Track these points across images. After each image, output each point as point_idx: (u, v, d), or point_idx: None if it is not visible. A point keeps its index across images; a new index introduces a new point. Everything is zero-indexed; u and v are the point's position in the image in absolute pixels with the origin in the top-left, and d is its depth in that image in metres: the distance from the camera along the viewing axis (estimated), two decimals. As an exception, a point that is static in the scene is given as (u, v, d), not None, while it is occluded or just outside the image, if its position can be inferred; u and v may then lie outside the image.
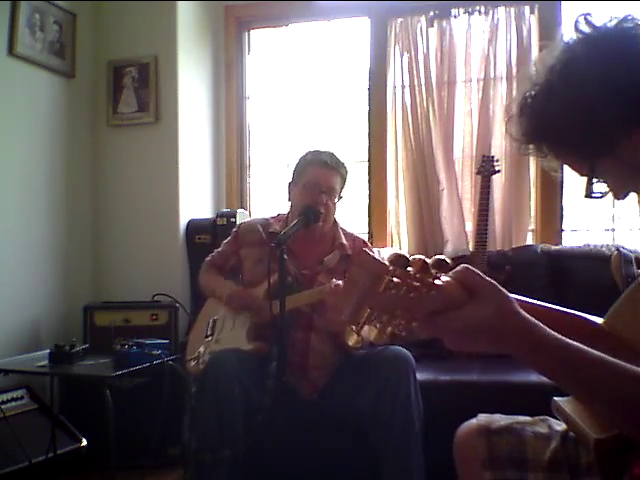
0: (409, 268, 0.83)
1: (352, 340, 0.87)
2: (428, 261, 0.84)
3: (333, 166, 2.39)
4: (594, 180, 1.05)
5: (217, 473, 2.05)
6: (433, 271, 0.84)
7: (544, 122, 1.03)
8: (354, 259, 0.86)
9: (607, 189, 1.07)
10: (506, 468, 1.20)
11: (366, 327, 0.85)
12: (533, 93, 1.04)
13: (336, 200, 2.42)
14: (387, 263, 0.84)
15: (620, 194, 1.08)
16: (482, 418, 1.29)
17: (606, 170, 1.03)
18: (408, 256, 0.84)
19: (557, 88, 1.00)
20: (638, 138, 0.97)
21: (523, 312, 0.86)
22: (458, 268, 0.87)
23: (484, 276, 0.87)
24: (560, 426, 1.23)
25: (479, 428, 1.26)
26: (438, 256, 0.86)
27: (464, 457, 1.28)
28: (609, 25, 1.00)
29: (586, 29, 1.00)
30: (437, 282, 0.83)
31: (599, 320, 1.02)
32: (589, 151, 1.02)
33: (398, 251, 0.81)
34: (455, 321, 0.84)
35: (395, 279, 0.82)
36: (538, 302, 1.02)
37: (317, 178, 2.38)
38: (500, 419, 1.28)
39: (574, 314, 1.01)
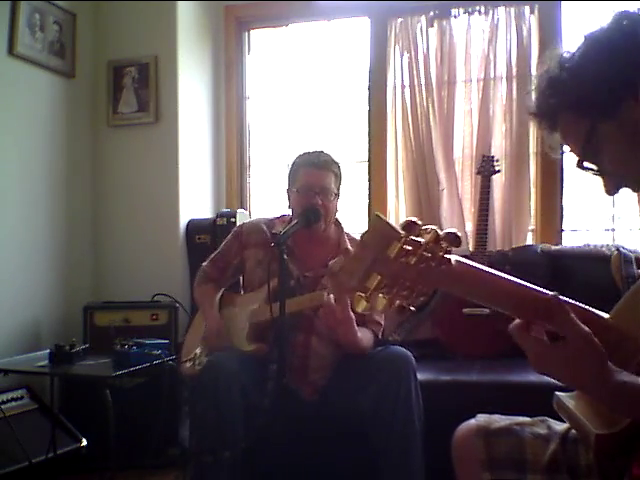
0: (420, 238, 0.83)
1: (361, 306, 0.86)
2: (440, 233, 0.84)
3: (323, 165, 2.35)
4: (589, 151, 1.05)
5: (217, 474, 2.05)
6: (444, 244, 0.83)
7: (559, 79, 1.05)
8: (368, 223, 0.85)
9: (598, 172, 1.08)
10: (505, 469, 1.20)
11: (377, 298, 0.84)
12: (557, 64, 1.07)
13: (332, 198, 2.36)
14: (399, 229, 0.83)
15: (612, 177, 1.07)
16: (481, 419, 1.29)
17: (606, 136, 1.03)
18: (421, 224, 0.84)
19: (578, 49, 1.05)
20: None
21: (616, 376, 0.91)
22: (553, 298, 0.92)
23: (578, 322, 0.91)
24: (559, 427, 1.22)
25: (478, 429, 1.26)
26: (450, 229, 0.86)
27: (463, 458, 1.27)
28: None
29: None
30: (447, 256, 0.83)
31: (606, 315, 1.02)
32: (594, 107, 1.02)
33: (412, 217, 0.83)
34: (554, 353, 0.91)
35: (407, 246, 0.82)
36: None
37: (309, 180, 2.33)
38: (499, 420, 1.27)
39: (588, 309, 1.01)
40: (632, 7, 1.04)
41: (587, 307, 1.00)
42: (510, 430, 1.24)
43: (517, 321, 0.96)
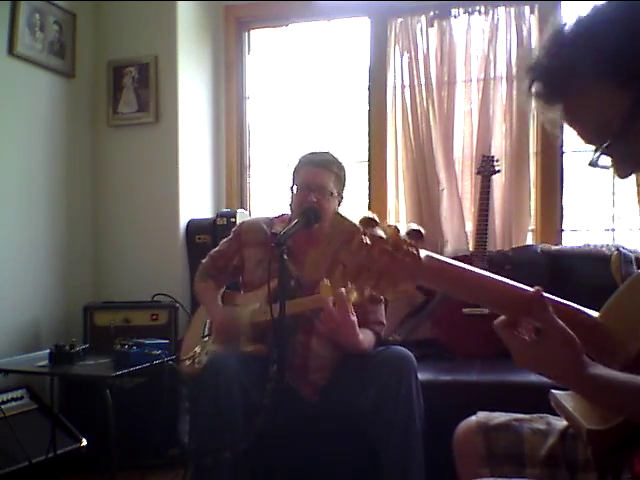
0: (381, 233, 0.88)
1: (326, 292, 0.93)
2: (400, 228, 0.90)
3: (322, 164, 2.34)
4: (625, 131, 0.83)
5: (218, 474, 2.05)
6: (408, 239, 0.88)
7: (595, 41, 0.82)
8: (329, 221, 0.93)
9: (611, 163, 0.93)
10: (504, 464, 1.21)
11: (344, 289, 0.92)
12: (577, 19, 0.85)
13: (329, 198, 2.32)
14: (358, 224, 0.89)
15: (631, 165, 0.93)
16: (481, 415, 1.30)
17: None
18: (377, 219, 0.90)
19: (613, 6, 0.81)
20: None
21: (592, 369, 0.92)
22: (533, 294, 0.94)
23: (554, 316, 0.92)
24: (559, 423, 1.23)
25: (478, 425, 1.27)
26: (412, 225, 0.92)
27: (463, 454, 1.29)
28: None
29: None
30: (415, 252, 0.88)
31: (595, 314, 1.03)
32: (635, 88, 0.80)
33: (368, 213, 0.86)
34: (530, 348, 0.93)
35: (366, 240, 0.87)
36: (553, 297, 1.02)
37: (307, 177, 2.33)
38: (499, 416, 1.29)
39: (576, 308, 1.02)
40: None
41: (575, 306, 1.02)
42: (509, 426, 1.25)
43: (501, 318, 0.98)
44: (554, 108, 0.90)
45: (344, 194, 2.43)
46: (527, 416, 1.28)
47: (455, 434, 1.31)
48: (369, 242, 0.87)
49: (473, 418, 1.30)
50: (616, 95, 0.82)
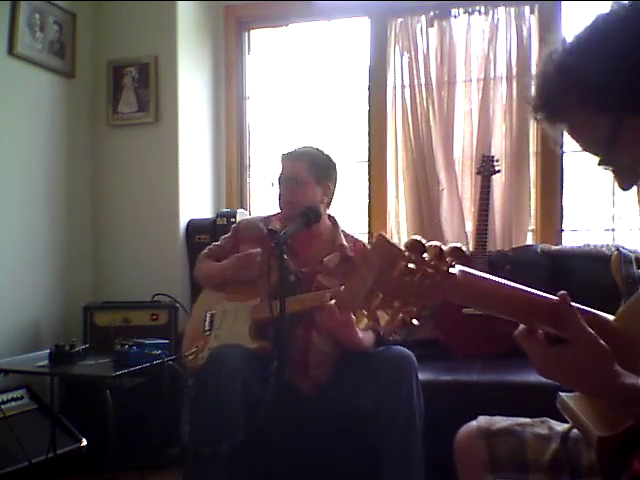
0: (425, 255, 0.82)
1: (362, 324, 0.85)
2: (444, 248, 0.84)
3: (295, 156, 2.42)
4: (611, 148, 0.93)
5: (215, 466, 2.05)
6: (448, 259, 0.83)
7: (576, 71, 0.92)
8: (371, 242, 0.86)
9: (617, 169, 0.98)
10: (507, 470, 1.20)
11: (378, 312, 0.84)
12: (563, 49, 0.95)
13: (306, 186, 2.36)
14: (403, 248, 0.83)
15: (631, 173, 0.97)
16: (482, 420, 1.29)
17: (634, 129, 0.91)
18: (424, 242, 0.83)
19: (593, 38, 0.92)
20: None
21: (622, 379, 0.89)
22: (560, 298, 0.91)
23: (584, 324, 0.89)
24: (560, 427, 1.23)
25: (479, 430, 1.26)
26: (454, 244, 0.86)
27: (465, 459, 1.27)
28: None
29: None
30: (452, 270, 0.83)
31: (610, 317, 1.01)
32: (619, 99, 0.89)
33: (416, 236, 0.82)
34: (557, 357, 0.90)
35: (410, 265, 0.81)
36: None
37: (281, 172, 2.43)
38: (500, 421, 1.28)
39: (594, 312, 1.00)
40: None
41: (592, 310, 0.99)
42: (511, 431, 1.24)
43: (522, 327, 0.95)
44: (558, 127, 1.01)
45: (333, 182, 2.44)
46: (529, 421, 1.27)
47: (456, 439, 1.30)
48: (413, 267, 0.81)
49: (474, 423, 1.29)
50: (598, 118, 0.92)
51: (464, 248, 0.85)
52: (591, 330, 0.89)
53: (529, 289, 0.95)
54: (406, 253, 0.82)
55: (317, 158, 2.42)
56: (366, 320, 0.85)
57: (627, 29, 0.89)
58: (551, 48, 0.96)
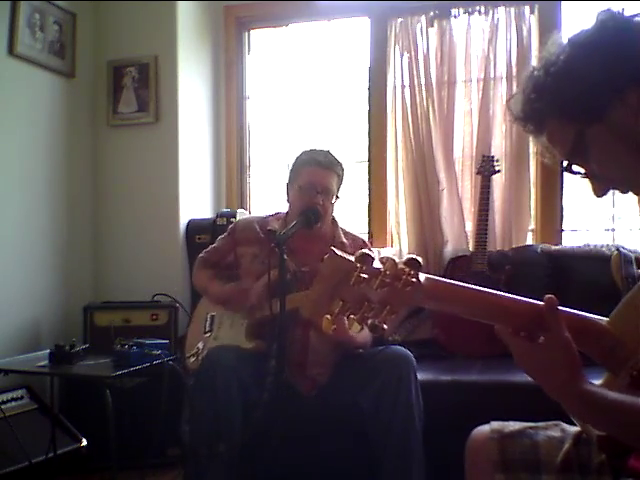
0: (380, 266, 0.90)
1: (328, 327, 0.93)
2: (397, 261, 0.91)
3: (328, 166, 2.36)
4: (577, 155, 1.05)
5: (213, 467, 2.05)
6: (406, 269, 0.90)
7: (544, 84, 1.05)
8: (325, 261, 0.94)
9: (586, 175, 1.08)
10: (519, 470, 1.21)
11: (346, 320, 0.92)
12: (542, 66, 1.06)
13: (333, 200, 2.38)
14: (354, 261, 0.91)
15: (601, 180, 1.07)
16: (495, 424, 1.30)
17: (593, 140, 1.02)
18: (373, 255, 0.91)
19: (563, 52, 1.03)
20: (632, 97, 0.98)
21: (585, 385, 0.94)
22: (547, 302, 0.96)
23: (563, 331, 0.94)
24: (573, 428, 1.23)
25: (492, 432, 1.27)
26: (410, 255, 0.93)
27: (474, 460, 1.28)
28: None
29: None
30: (414, 280, 0.90)
31: (604, 320, 1.03)
32: (580, 112, 1.01)
33: (364, 250, 0.90)
34: (532, 353, 0.96)
35: (363, 275, 0.89)
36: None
37: (312, 179, 2.34)
38: (513, 424, 1.29)
39: (584, 315, 1.02)
40: (615, 6, 1.03)
41: (583, 313, 1.02)
42: (524, 433, 1.26)
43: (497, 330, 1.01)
44: (540, 139, 1.12)
45: (339, 192, 2.45)
46: (541, 424, 1.28)
47: (468, 442, 1.31)
48: (366, 276, 0.89)
49: (486, 427, 1.30)
50: (566, 130, 1.04)
51: (419, 259, 0.92)
52: (567, 333, 0.94)
53: (504, 294, 1.01)
54: (357, 265, 0.90)
55: (342, 170, 2.42)
56: (330, 324, 0.92)
57: (587, 50, 1.01)
58: (533, 64, 1.09)
